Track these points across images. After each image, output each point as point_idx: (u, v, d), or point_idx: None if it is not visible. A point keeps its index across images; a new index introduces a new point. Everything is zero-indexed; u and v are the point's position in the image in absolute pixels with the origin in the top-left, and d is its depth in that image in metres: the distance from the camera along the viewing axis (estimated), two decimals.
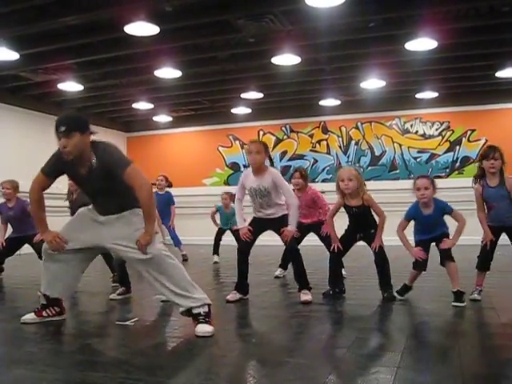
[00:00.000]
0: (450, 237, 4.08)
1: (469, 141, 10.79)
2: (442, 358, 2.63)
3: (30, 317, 3.56)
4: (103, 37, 7.07)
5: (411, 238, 4.18)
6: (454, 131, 10.92)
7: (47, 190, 3.43)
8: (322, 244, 5.31)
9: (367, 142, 11.51)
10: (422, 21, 6.50)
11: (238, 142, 12.45)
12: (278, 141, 12.15)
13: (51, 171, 3.36)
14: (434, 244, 4.14)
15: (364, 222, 4.35)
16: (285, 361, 2.63)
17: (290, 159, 11.99)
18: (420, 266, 4.16)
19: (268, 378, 2.40)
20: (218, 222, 7.71)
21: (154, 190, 6.42)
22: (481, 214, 4.12)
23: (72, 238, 3.41)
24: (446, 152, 10.96)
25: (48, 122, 10.09)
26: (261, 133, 12.25)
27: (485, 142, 10.44)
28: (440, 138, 11.02)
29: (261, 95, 10.28)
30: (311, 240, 5.46)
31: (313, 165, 11.80)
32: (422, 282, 4.54)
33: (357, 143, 11.58)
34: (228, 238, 7.57)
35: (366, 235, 4.35)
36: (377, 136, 11.45)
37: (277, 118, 11.93)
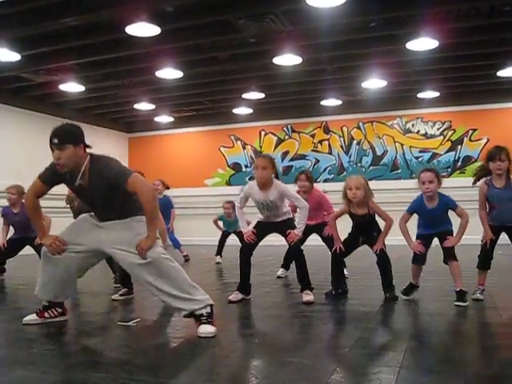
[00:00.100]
0: (454, 235, 4.07)
1: (470, 140, 10.79)
2: (445, 358, 2.62)
3: (31, 318, 3.56)
4: (104, 37, 7.08)
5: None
6: (455, 131, 10.92)
7: (50, 191, 3.43)
8: (325, 244, 5.31)
9: (369, 142, 11.51)
10: (423, 20, 6.51)
11: (239, 142, 12.45)
12: (280, 141, 12.15)
13: (49, 180, 3.36)
14: (437, 244, 4.13)
15: (368, 228, 4.35)
16: (287, 361, 2.62)
17: (291, 159, 11.99)
18: (418, 259, 4.17)
19: (270, 378, 2.39)
20: (222, 226, 7.78)
21: None
22: (482, 212, 4.11)
23: (71, 240, 3.41)
24: (447, 151, 10.96)
25: (49, 123, 10.11)
26: (262, 133, 12.26)
27: (486, 142, 10.44)
28: (441, 137, 11.02)
29: (262, 95, 10.29)
30: (314, 240, 5.45)
31: (314, 165, 11.80)
32: (424, 281, 4.54)
33: (358, 143, 11.58)
34: (231, 239, 7.59)
35: (368, 238, 4.35)
36: (378, 136, 11.45)
37: (278, 118, 11.93)
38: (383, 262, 4.28)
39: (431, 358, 2.63)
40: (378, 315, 3.83)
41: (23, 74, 8.59)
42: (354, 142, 11.61)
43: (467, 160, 10.75)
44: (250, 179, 11.43)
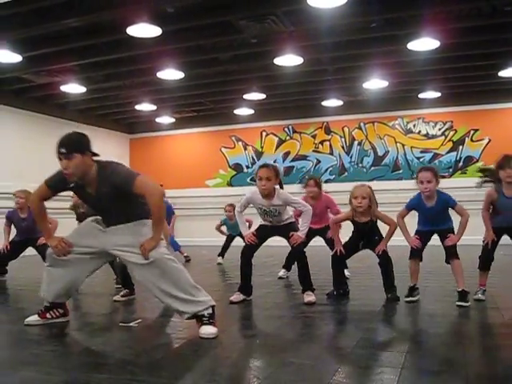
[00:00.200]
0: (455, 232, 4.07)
1: (472, 140, 10.78)
2: (446, 359, 2.62)
3: (33, 319, 3.57)
4: (106, 38, 7.09)
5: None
6: (456, 131, 10.91)
7: None
8: (326, 245, 5.32)
9: (370, 143, 11.51)
10: (424, 21, 6.50)
11: (240, 142, 12.46)
12: (281, 141, 12.15)
13: (55, 186, 3.36)
14: (439, 244, 4.13)
15: (369, 234, 4.35)
16: (289, 361, 2.63)
17: (292, 160, 12.00)
18: (415, 254, 4.17)
19: (272, 378, 2.39)
20: (225, 231, 7.83)
21: None
22: (485, 212, 4.10)
23: (77, 242, 3.42)
24: (448, 152, 10.95)
25: (51, 124, 10.26)
26: (263, 134, 12.26)
27: (488, 142, 10.45)
28: (443, 137, 11.01)
29: (263, 96, 10.29)
30: (315, 241, 5.45)
31: (315, 165, 11.81)
32: (426, 281, 4.54)
33: (359, 143, 11.58)
34: (236, 240, 7.59)
35: (369, 241, 4.35)
36: (380, 136, 11.45)
37: (279, 119, 11.94)
38: (385, 262, 4.28)
39: (433, 359, 2.63)
40: (380, 316, 3.83)
41: (25, 76, 8.60)
42: (355, 143, 11.61)
43: (469, 160, 10.74)
44: (251, 180, 11.46)
